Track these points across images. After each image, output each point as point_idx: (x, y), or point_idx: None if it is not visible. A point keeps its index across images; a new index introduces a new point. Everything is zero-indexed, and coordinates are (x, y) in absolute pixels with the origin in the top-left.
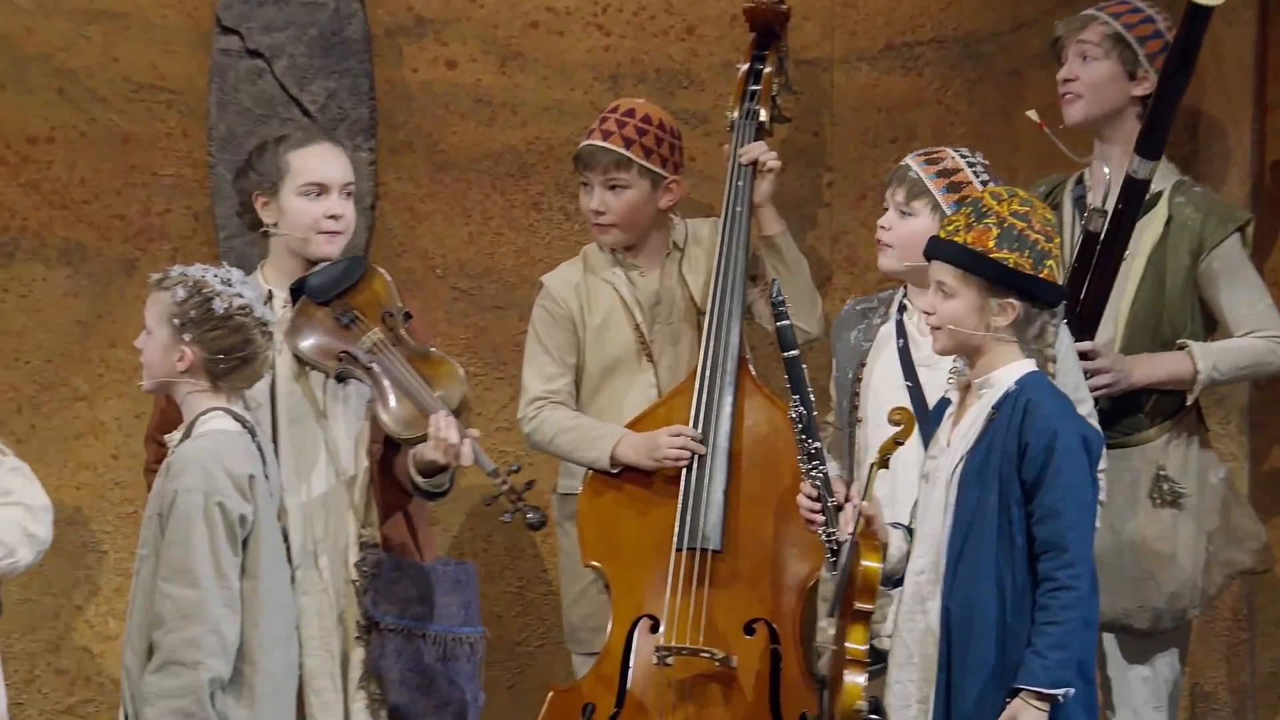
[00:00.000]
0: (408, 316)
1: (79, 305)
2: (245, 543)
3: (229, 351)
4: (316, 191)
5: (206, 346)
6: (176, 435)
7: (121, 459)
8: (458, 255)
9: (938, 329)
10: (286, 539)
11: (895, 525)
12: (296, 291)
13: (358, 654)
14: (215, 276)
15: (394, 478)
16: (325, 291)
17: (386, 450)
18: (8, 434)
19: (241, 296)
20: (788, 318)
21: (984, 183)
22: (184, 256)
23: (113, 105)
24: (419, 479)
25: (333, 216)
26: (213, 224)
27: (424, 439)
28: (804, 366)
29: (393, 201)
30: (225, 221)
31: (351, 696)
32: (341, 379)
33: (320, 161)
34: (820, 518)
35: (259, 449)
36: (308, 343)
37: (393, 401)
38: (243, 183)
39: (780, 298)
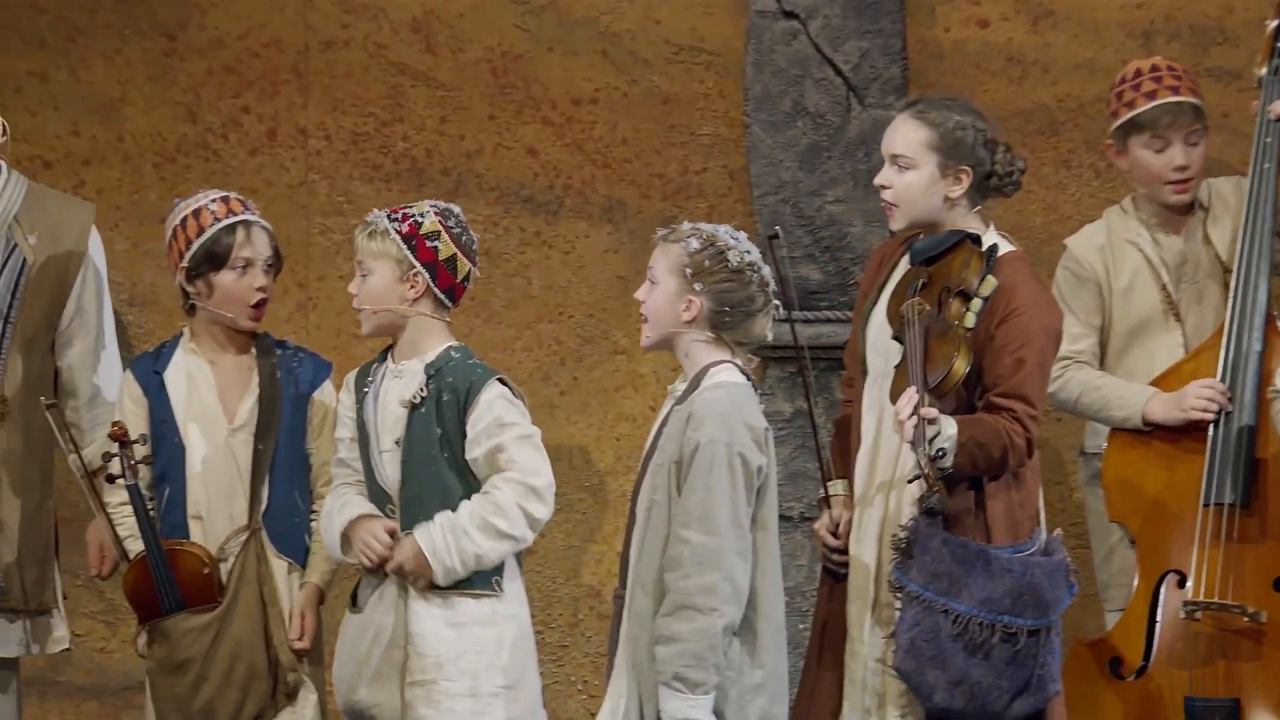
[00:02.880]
0: (964, 295)
1: (619, 261)
2: (758, 493)
3: (735, 306)
4: (885, 163)
5: (715, 298)
6: (680, 386)
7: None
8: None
9: None
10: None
11: None
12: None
13: (890, 610)
14: (727, 233)
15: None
16: (916, 256)
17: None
18: (551, 386)
19: (750, 253)
20: None
21: None
22: (719, 214)
23: (654, 67)
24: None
25: (878, 185)
26: (747, 182)
27: None
28: None
29: None
30: (760, 180)
31: (885, 649)
32: (898, 340)
33: (885, 132)
34: None
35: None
36: (892, 302)
37: (900, 368)
38: None
39: None
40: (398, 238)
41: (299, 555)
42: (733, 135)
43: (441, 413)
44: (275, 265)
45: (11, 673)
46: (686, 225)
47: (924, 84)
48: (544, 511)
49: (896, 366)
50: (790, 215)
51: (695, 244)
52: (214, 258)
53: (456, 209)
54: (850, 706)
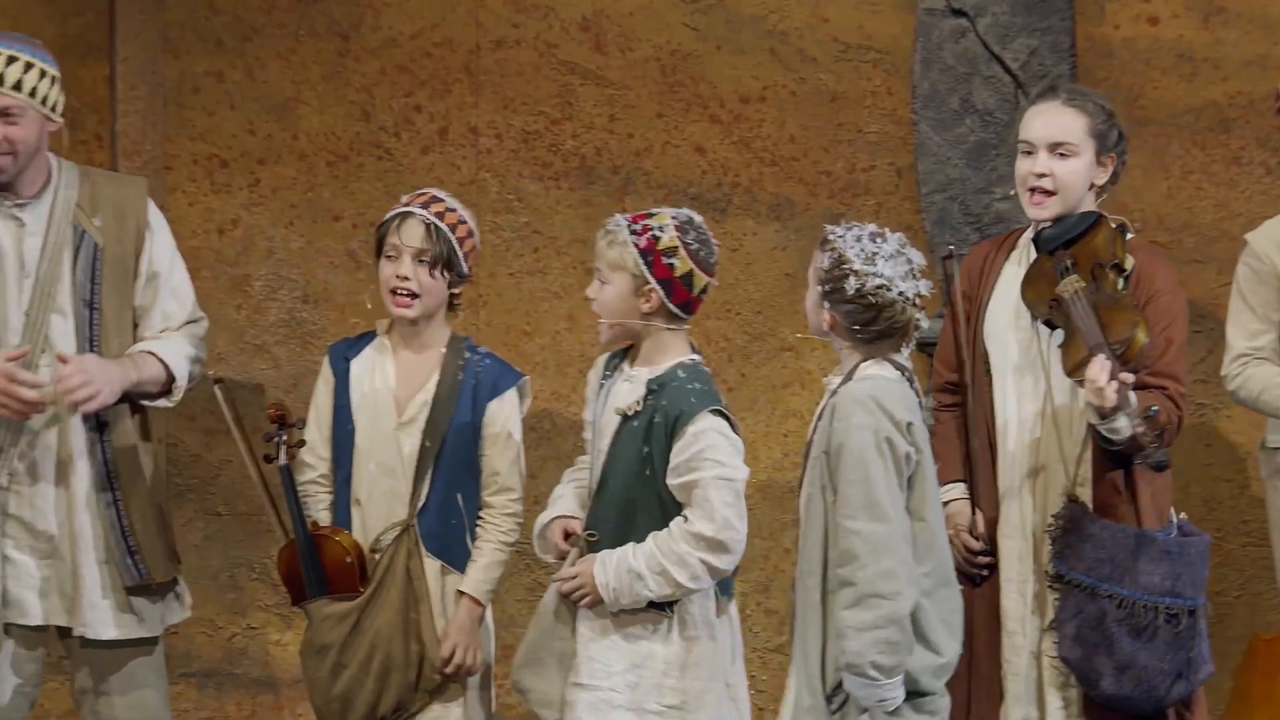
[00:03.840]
0: (1118, 269)
1: (786, 258)
2: (911, 482)
3: (864, 325)
4: (1026, 149)
5: (843, 315)
6: (835, 380)
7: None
8: (1156, 209)
9: None
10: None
11: None
12: (1038, 242)
13: (1050, 601)
14: (860, 252)
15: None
16: (1050, 242)
17: None
18: (719, 383)
19: (879, 276)
20: None
21: None
22: (886, 212)
23: (822, 65)
24: (1095, 421)
25: (1037, 174)
26: (915, 180)
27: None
28: None
29: None
30: (927, 177)
31: (1042, 639)
32: (1049, 325)
33: (1030, 120)
34: None
35: (916, 395)
36: (1028, 291)
37: (1070, 345)
38: None
39: None
40: (635, 251)
41: (451, 558)
42: (900, 133)
43: (650, 431)
44: (430, 259)
45: (158, 648)
46: (835, 232)
47: (1093, 81)
48: (729, 563)
49: (1062, 345)
50: (957, 212)
51: (826, 261)
52: (378, 247)
53: (698, 219)
54: (1013, 699)
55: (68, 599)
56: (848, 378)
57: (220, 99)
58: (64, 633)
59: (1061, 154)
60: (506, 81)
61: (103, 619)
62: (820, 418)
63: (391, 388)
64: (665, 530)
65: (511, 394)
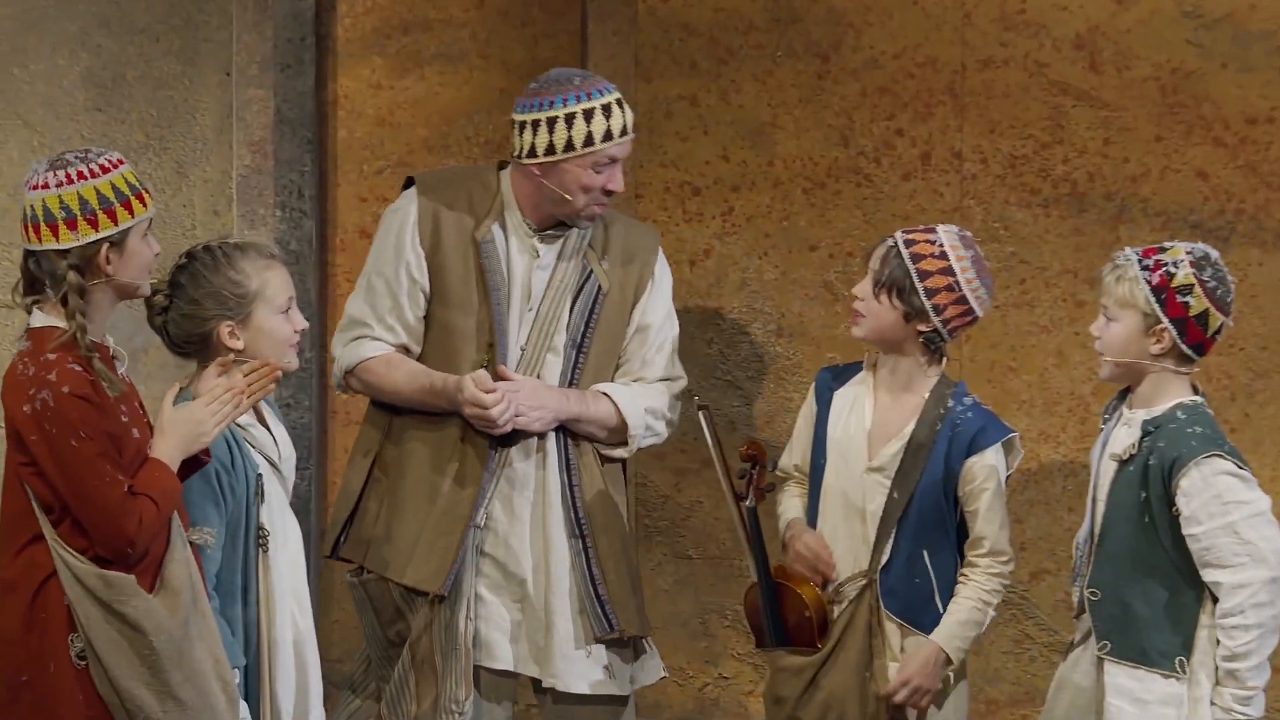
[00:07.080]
0: None
1: None
2: None
3: None
4: None
5: None
6: None
7: None
8: None
9: None
10: None
11: None
12: None
13: None
14: None
15: None
16: None
17: None
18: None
19: None
20: None
21: None
22: None
23: None
24: None
25: None
26: None
27: None
28: None
29: None
30: None
31: None
32: None
33: None
34: None
35: None
36: None
37: None
38: None
39: None
40: (1147, 289)
41: (914, 619)
42: None
43: (1147, 476)
44: (876, 280)
45: (629, 706)
46: None
47: None
48: None
49: None
50: None
51: None
52: None
53: (1214, 254)
54: None
55: (537, 647)
56: None
57: (694, 124)
58: (536, 682)
59: None
60: (993, 103)
61: (574, 671)
62: None
63: (867, 428)
64: (1222, 627)
65: (994, 451)
